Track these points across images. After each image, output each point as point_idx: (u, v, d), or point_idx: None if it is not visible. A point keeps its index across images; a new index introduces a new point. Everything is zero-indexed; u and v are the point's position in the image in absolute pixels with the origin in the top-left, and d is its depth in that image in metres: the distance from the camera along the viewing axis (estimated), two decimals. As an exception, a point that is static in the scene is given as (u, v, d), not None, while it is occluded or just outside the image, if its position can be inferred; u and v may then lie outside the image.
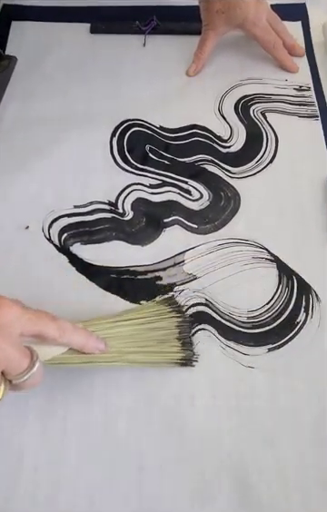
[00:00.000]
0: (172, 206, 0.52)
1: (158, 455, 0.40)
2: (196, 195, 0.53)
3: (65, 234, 0.50)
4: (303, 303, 0.46)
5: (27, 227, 0.51)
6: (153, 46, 0.65)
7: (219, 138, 0.57)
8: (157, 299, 0.46)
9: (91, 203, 0.52)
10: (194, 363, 0.43)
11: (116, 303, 0.46)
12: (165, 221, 0.51)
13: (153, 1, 0.68)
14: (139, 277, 0.48)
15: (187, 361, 0.42)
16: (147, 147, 0.56)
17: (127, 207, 0.52)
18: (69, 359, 0.37)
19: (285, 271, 0.48)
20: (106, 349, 0.38)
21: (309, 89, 0.61)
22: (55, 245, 0.50)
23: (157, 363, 0.42)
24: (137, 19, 0.66)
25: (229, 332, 0.45)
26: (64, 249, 0.49)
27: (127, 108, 0.59)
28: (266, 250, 0.49)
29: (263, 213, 0.52)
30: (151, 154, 0.56)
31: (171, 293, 0.46)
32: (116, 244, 0.50)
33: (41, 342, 0.34)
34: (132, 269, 0.48)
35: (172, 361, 0.42)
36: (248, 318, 0.45)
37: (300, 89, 0.61)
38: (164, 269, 0.48)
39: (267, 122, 0.58)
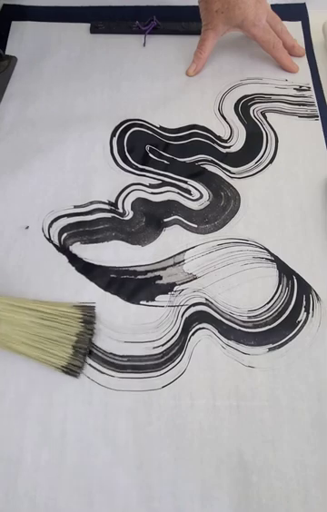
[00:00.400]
0: (172, 206, 0.52)
1: (158, 455, 0.40)
2: (196, 195, 0.53)
3: (65, 234, 0.50)
4: (304, 303, 0.46)
5: (27, 227, 0.51)
6: (153, 46, 0.65)
7: (219, 138, 0.57)
8: (76, 303, 0.45)
9: (91, 203, 0.52)
10: (78, 375, 0.42)
11: (116, 303, 0.46)
12: (165, 220, 0.51)
13: (154, 1, 0.68)
14: (139, 277, 0.48)
15: (70, 370, 0.42)
16: (147, 147, 0.56)
17: (127, 207, 0.52)
18: None
19: (285, 271, 0.48)
20: None
21: (309, 89, 0.61)
22: (55, 245, 0.50)
23: (40, 360, 0.42)
24: (137, 19, 0.66)
25: (229, 332, 0.45)
26: (63, 249, 0.49)
27: (127, 108, 0.59)
28: (266, 250, 0.49)
29: (263, 213, 0.52)
30: (151, 154, 0.56)
31: (94, 303, 0.45)
32: (116, 244, 0.50)
33: None
34: (132, 269, 0.48)
35: (55, 364, 0.42)
36: (248, 317, 0.45)
37: (300, 89, 0.61)
38: (164, 268, 0.48)
39: (267, 122, 0.58)
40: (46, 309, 0.43)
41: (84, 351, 0.43)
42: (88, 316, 0.44)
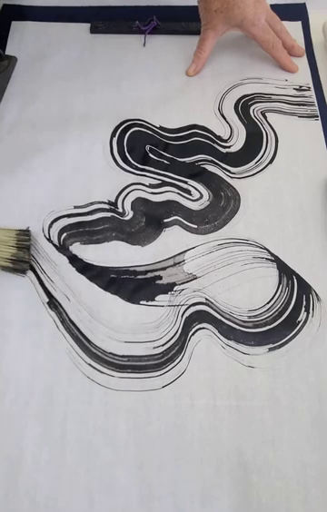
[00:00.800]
0: (171, 206, 0.52)
1: (158, 455, 0.40)
2: (196, 195, 0.53)
3: (65, 234, 0.50)
4: (304, 303, 0.46)
5: (27, 227, 0.50)
6: (152, 46, 0.65)
7: (219, 138, 0.57)
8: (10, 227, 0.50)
9: (91, 204, 0.52)
10: (25, 271, 0.47)
11: (116, 303, 0.46)
12: (165, 221, 0.51)
13: (154, 1, 0.68)
14: (139, 277, 0.48)
15: (17, 263, 0.47)
16: (147, 147, 0.56)
17: (127, 207, 0.52)
18: None
19: (285, 271, 0.48)
20: None
21: (309, 89, 0.61)
22: (55, 245, 0.50)
23: None
24: (137, 19, 0.66)
25: (229, 332, 0.45)
26: (63, 249, 0.49)
27: (127, 108, 0.59)
28: (266, 249, 0.49)
29: (263, 213, 0.52)
30: (151, 154, 0.56)
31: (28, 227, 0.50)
32: (116, 244, 0.50)
33: None
34: (132, 269, 0.48)
35: (3, 262, 0.47)
36: (249, 317, 0.45)
37: (300, 89, 0.61)
38: (164, 269, 0.48)
39: (267, 122, 0.58)
40: None
41: (27, 247, 0.47)
42: (24, 237, 0.48)
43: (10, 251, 0.47)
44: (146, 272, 0.48)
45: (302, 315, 0.46)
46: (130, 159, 0.55)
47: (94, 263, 0.49)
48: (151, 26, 0.65)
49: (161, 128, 0.58)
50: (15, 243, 0.48)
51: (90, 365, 0.43)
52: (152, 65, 0.63)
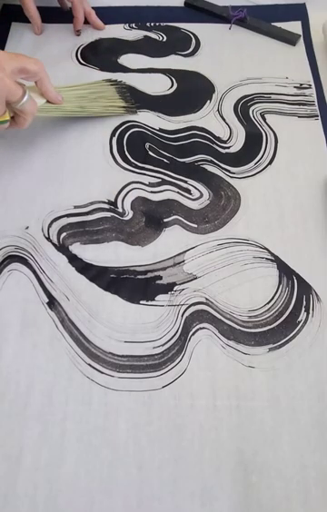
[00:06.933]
0: (171, 205, 0.52)
1: (158, 455, 0.40)
2: (196, 194, 0.53)
3: (64, 234, 0.50)
4: (304, 303, 0.46)
5: (27, 227, 0.50)
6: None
7: (218, 139, 0.57)
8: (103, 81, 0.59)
9: (91, 203, 0.52)
10: (135, 110, 0.58)
11: (116, 303, 0.46)
12: (165, 220, 0.51)
13: (153, 1, 0.69)
14: (139, 277, 0.48)
15: (128, 108, 0.58)
16: (147, 145, 0.56)
17: (127, 206, 0.52)
18: (46, 108, 0.51)
19: (285, 271, 0.48)
20: (62, 101, 0.52)
21: (310, 86, 0.61)
22: (55, 245, 0.50)
23: (107, 112, 0.57)
24: (137, 19, 0.66)
25: (229, 332, 0.45)
26: (63, 249, 0.49)
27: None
28: (267, 249, 0.49)
29: (263, 213, 0.52)
30: (150, 152, 0.56)
31: (117, 80, 0.60)
32: (116, 245, 0.50)
33: (27, 78, 0.47)
34: (132, 268, 0.48)
35: (117, 109, 0.57)
36: (249, 317, 0.45)
37: (300, 87, 0.61)
38: (164, 269, 0.48)
39: (266, 123, 0.58)
40: (88, 86, 0.57)
41: (130, 98, 0.59)
42: (121, 87, 0.59)
43: (119, 104, 0.58)
44: (146, 272, 0.48)
45: (302, 315, 0.46)
46: (129, 157, 0.55)
47: (94, 263, 0.48)
48: (239, 16, 0.64)
49: (160, 130, 0.58)
50: (119, 95, 0.58)
51: (90, 365, 0.43)
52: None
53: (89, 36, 0.66)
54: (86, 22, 0.66)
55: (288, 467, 0.39)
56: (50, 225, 0.51)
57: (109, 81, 0.60)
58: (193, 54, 0.64)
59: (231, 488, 0.38)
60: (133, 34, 0.66)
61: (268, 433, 0.40)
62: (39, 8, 0.63)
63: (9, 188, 0.53)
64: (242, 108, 0.59)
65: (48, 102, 0.51)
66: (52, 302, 0.46)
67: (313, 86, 0.61)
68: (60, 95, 0.52)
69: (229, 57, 0.64)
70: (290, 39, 0.64)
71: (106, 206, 0.52)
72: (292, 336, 0.44)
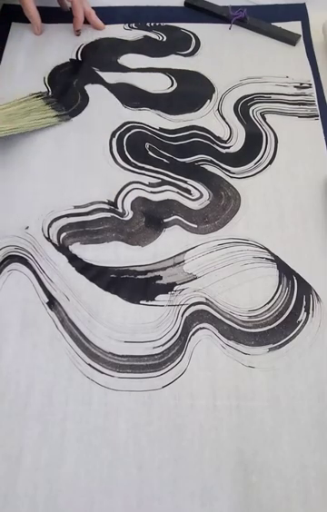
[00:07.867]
0: (171, 205, 0.52)
1: (158, 455, 0.40)
2: (196, 194, 0.53)
3: (64, 233, 0.50)
4: (304, 303, 0.46)
5: (27, 227, 0.50)
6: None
7: (218, 139, 0.57)
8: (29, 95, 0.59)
9: (91, 204, 0.52)
10: (68, 116, 0.58)
11: (116, 303, 0.46)
12: (165, 220, 0.51)
13: (154, 1, 0.69)
14: (139, 277, 0.48)
15: (61, 116, 0.58)
16: (147, 145, 0.56)
17: (127, 207, 0.52)
18: None
19: (285, 271, 0.48)
20: None
21: (310, 86, 0.61)
22: (55, 245, 0.50)
23: (40, 124, 0.57)
24: (137, 19, 0.66)
25: (229, 332, 0.45)
26: (63, 249, 0.49)
27: (127, 110, 0.59)
28: (267, 249, 0.49)
29: (263, 213, 0.52)
30: (150, 152, 0.56)
31: (41, 92, 0.60)
32: (116, 245, 0.50)
33: None
34: (132, 268, 0.48)
35: (51, 119, 0.57)
36: (249, 317, 0.45)
37: (301, 86, 0.61)
38: (164, 269, 0.48)
39: (266, 123, 0.58)
40: (14, 103, 0.57)
41: (59, 105, 0.59)
42: (50, 99, 0.59)
43: (50, 114, 0.58)
44: (146, 272, 0.48)
45: (302, 315, 0.46)
46: (129, 157, 0.55)
47: (94, 263, 0.48)
48: (239, 16, 0.64)
49: (160, 129, 0.58)
50: (48, 106, 0.58)
51: (89, 365, 0.43)
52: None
53: (89, 36, 0.66)
54: (86, 22, 0.66)
55: (288, 467, 0.39)
56: (50, 225, 0.51)
57: (33, 94, 0.59)
58: (192, 53, 0.64)
59: (231, 488, 0.38)
60: (133, 34, 0.66)
61: (268, 433, 0.40)
62: (39, 8, 0.64)
63: (9, 188, 0.53)
64: (243, 108, 0.59)
65: None
66: (52, 302, 0.46)
67: (313, 86, 0.61)
68: None
69: (229, 57, 0.64)
70: (290, 39, 0.64)
71: (106, 206, 0.52)
72: (292, 336, 0.44)
